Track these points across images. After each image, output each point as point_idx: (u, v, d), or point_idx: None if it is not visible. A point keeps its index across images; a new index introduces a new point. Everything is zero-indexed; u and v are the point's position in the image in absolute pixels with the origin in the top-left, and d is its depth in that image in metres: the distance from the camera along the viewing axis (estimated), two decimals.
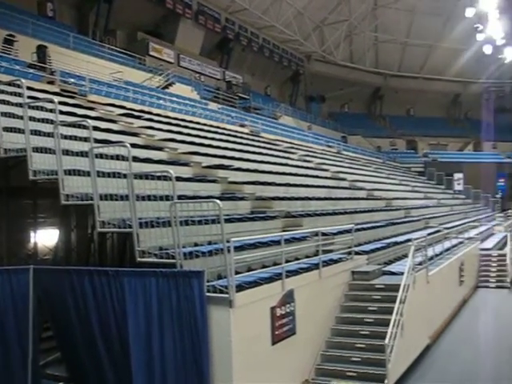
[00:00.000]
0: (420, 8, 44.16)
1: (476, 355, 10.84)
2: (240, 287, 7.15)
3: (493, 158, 48.94)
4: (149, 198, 8.34)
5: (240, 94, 33.94)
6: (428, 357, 10.64)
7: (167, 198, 7.95)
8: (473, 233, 19.57)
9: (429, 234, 13.90)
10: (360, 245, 12.44)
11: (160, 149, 13.56)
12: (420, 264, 11.22)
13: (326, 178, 21.38)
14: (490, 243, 21.52)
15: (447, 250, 14.65)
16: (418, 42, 46.87)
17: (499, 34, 40.25)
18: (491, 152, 51.18)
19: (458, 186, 42.31)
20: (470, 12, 36.79)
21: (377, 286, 10.46)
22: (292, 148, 26.70)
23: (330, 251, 10.48)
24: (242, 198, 12.19)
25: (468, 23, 39.32)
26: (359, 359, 9.00)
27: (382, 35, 46.39)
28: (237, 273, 7.33)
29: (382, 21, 44.93)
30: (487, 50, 42.41)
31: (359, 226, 13.47)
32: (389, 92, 51.40)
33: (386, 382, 8.42)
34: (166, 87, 26.39)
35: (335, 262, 10.25)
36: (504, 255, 18.88)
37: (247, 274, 7.85)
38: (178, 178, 9.36)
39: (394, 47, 47.80)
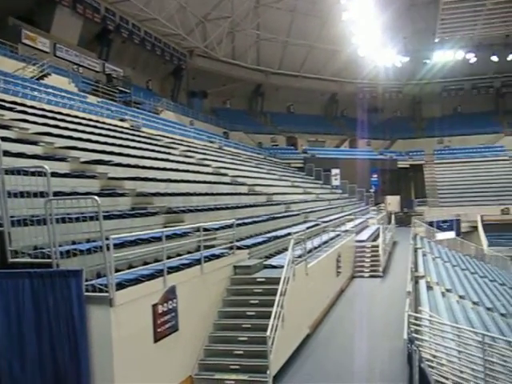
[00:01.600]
0: (300, 9, 45.61)
1: (352, 341, 11.39)
2: (120, 285, 6.98)
3: (367, 154, 51.67)
4: (22, 194, 7.87)
5: (120, 88, 33.03)
6: (308, 345, 11.03)
7: (42, 194, 7.57)
8: (349, 226, 20.52)
9: (308, 228, 14.39)
10: (242, 239, 12.60)
11: (35, 143, 12.81)
12: (300, 257, 11.58)
13: (208, 173, 21.41)
14: (364, 235, 22.62)
15: (325, 242, 15.25)
16: (298, 42, 48.38)
17: (372, 38, 42.52)
18: (365, 149, 54.04)
19: (335, 181, 44.12)
20: (345, 16, 38.48)
21: (258, 280, 10.67)
22: (173, 143, 26.45)
23: (212, 246, 10.54)
24: (122, 194, 11.88)
25: (344, 26, 41.19)
26: (242, 352, 9.15)
27: (263, 33, 47.30)
28: (117, 270, 7.15)
29: (264, 19, 45.82)
30: (361, 52, 44.66)
31: (241, 221, 13.64)
32: (270, 89, 52.58)
33: (268, 372, 8.61)
34: (41, 78, 25.03)
35: (217, 257, 10.30)
36: (377, 246, 19.95)
37: (128, 271, 7.69)
38: (54, 174, 8.94)
39: (275, 45, 48.99)
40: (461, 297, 18.89)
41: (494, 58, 49.57)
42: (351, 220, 22.95)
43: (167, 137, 28.09)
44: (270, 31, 46.92)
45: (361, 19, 38.83)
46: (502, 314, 18.97)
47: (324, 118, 57.54)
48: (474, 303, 18.79)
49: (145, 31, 39.06)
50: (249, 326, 9.63)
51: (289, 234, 13.09)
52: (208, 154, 28.24)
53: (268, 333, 8.62)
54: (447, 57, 48.86)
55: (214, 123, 45.26)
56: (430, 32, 43.45)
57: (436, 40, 44.86)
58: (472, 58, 49.93)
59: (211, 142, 35.82)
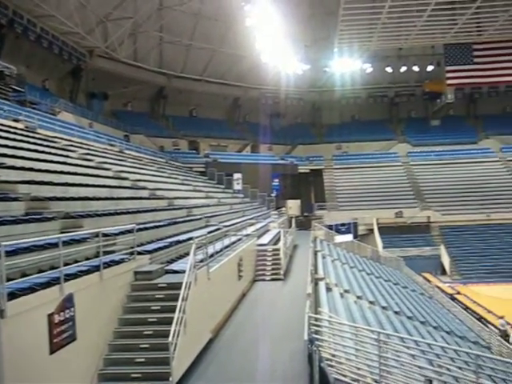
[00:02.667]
0: (204, 13, 45.55)
1: (254, 343, 11.48)
2: (13, 295, 6.60)
3: (269, 159, 52.49)
4: None
5: (14, 86, 31.38)
6: (211, 350, 10.99)
7: None
8: (250, 230, 20.68)
9: (209, 232, 14.36)
10: (143, 244, 12.37)
11: None
12: (201, 261, 11.52)
13: (108, 177, 20.82)
14: (265, 239, 22.87)
15: (227, 247, 15.29)
16: (202, 46, 48.28)
17: (274, 45, 43.33)
18: (267, 154, 54.91)
19: (237, 186, 44.40)
20: (249, 22, 38.93)
21: (159, 285, 10.50)
22: (71, 146, 25.44)
23: (112, 252, 10.24)
24: (15, 199, 11.25)
25: (248, 32, 41.65)
26: (143, 360, 8.95)
27: (166, 36, 46.78)
28: (9, 279, 6.76)
29: (168, 21, 45.32)
30: (264, 58, 45.36)
31: (142, 226, 13.39)
32: (172, 92, 52.09)
33: (170, 379, 8.48)
34: None
35: (117, 263, 10.02)
36: (278, 250, 20.23)
37: (21, 280, 7.27)
38: None
39: (179, 48, 48.61)
40: (358, 297, 19.62)
41: (389, 69, 52.14)
42: (253, 224, 23.18)
43: (65, 139, 26.95)
44: (173, 34, 46.48)
45: (264, 26, 39.45)
46: (396, 312, 19.91)
47: (227, 122, 57.86)
48: (371, 303, 19.58)
49: (41, 28, 37.17)
50: (150, 332, 9.45)
51: (190, 238, 13.00)
52: (108, 158, 27.46)
53: (170, 339, 8.49)
54: (346, 66, 50.74)
55: (114, 126, 44.06)
56: (329, 42, 44.97)
57: (335, 50, 46.49)
58: (368, 68, 52.23)
59: (111, 145, 34.87)
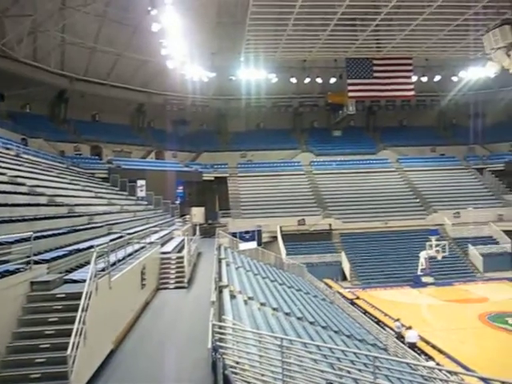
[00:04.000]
0: (110, 15, 44.22)
1: (158, 353, 11.27)
2: None
3: (173, 166, 51.95)
4: None
5: None
6: (112, 361, 10.65)
7: None
8: (154, 237, 20.35)
9: (111, 240, 13.96)
10: (40, 253, 11.79)
11: None
12: (103, 270, 11.16)
13: (3, 182, 19.73)
14: (169, 247, 22.62)
15: (130, 255, 14.93)
16: (106, 49, 46.93)
17: (181, 52, 43.03)
18: (172, 161, 54.38)
19: (141, 193, 43.54)
20: (155, 27, 38.39)
21: (58, 296, 10.05)
22: None
23: (6, 262, 9.68)
24: None
25: (154, 37, 41.04)
26: (39, 375, 8.49)
27: (69, 37, 45.00)
28: None
29: (70, 22, 43.55)
30: (170, 64, 44.92)
31: (39, 234, 12.77)
32: (75, 96, 50.14)
33: None
34: None
35: (11, 273, 9.48)
36: (182, 257, 20.06)
37: None
38: None
39: (82, 51, 46.86)
40: (262, 304, 19.79)
41: (293, 80, 53.31)
42: (156, 232, 22.83)
43: None
44: (76, 35, 44.76)
45: (170, 32, 39.10)
46: (299, 318, 20.28)
47: (131, 128, 56.70)
48: (274, 309, 19.82)
49: None
50: (47, 345, 9.00)
51: (91, 246, 12.56)
52: (3, 162, 26.06)
53: (68, 352, 8.14)
54: (251, 75, 51.35)
55: (10, 128, 41.79)
56: (236, 50, 45.32)
57: (241, 58, 46.94)
58: (273, 78, 53.12)
59: (7, 148, 33.12)
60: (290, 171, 57.20)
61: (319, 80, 53.73)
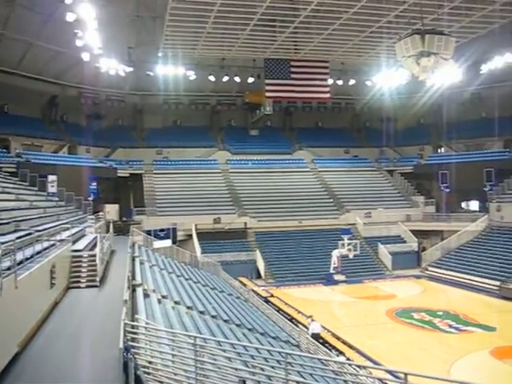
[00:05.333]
0: (21, 1, 42.16)
1: (67, 354, 10.87)
2: None
3: (86, 161, 50.41)
4: None
5: None
6: (17, 365, 10.12)
7: None
8: (65, 235, 19.64)
9: (19, 238, 13.30)
10: None
11: None
12: (9, 269, 10.61)
13: None
14: (81, 245, 21.92)
15: (39, 253, 14.30)
16: (17, 37, 44.68)
17: (97, 44, 41.76)
18: (85, 156, 52.69)
19: (52, 188, 41.81)
20: (70, 17, 37.04)
21: None
22: None
23: None
24: None
25: (69, 27, 39.54)
26: None
27: None
28: None
29: None
30: (85, 56, 43.47)
31: None
32: None
33: None
34: None
35: None
36: (94, 255, 19.50)
37: None
38: None
39: None
40: (176, 302, 19.59)
41: (212, 78, 53.20)
42: (68, 229, 22.05)
43: None
44: None
45: (86, 23, 37.86)
46: (213, 316, 20.25)
47: (42, 121, 54.30)
48: (188, 308, 19.67)
49: None
50: None
51: None
52: None
53: None
54: (170, 71, 50.76)
55: None
56: (154, 45, 44.61)
57: (160, 54, 46.27)
58: (192, 75, 52.77)
59: None
60: (206, 169, 57.06)
61: (237, 79, 53.93)
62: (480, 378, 19.86)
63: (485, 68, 49.35)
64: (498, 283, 36.83)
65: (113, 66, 47.67)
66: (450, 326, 28.07)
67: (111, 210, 47.30)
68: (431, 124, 61.22)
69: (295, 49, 44.79)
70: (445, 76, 44.74)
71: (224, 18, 36.72)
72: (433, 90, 52.90)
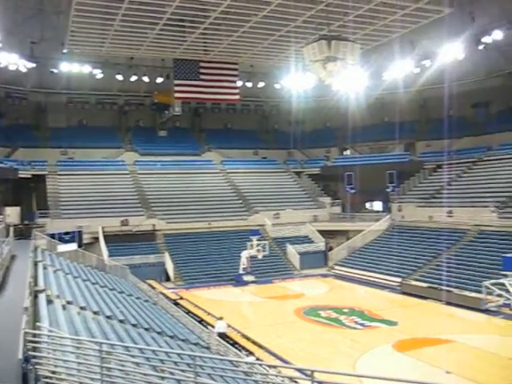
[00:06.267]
0: None
1: None
2: None
3: None
4: None
5: None
6: None
7: None
8: None
9: None
10: None
11: None
12: None
13: None
14: None
15: None
16: None
17: None
18: None
19: None
20: None
21: None
22: None
23: None
24: None
25: None
26: None
27: None
28: None
29: None
30: None
31: None
32: None
33: None
34: None
35: None
36: None
37: None
38: None
39: None
40: (82, 308, 18.90)
41: (119, 77, 52.00)
42: None
43: None
44: None
45: None
46: (121, 321, 19.72)
47: None
48: (95, 313, 19.04)
49: None
50: None
51: None
52: None
53: None
54: (75, 69, 49.10)
55: None
56: (59, 41, 42.91)
57: (65, 51, 44.58)
58: (98, 73, 51.34)
59: None
60: (113, 170, 55.64)
61: (146, 79, 53.10)
62: (383, 370, 20.67)
63: (387, 75, 51.50)
64: (399, 280, 38.60)
65: (13, 61, 45.40)
66: (356, 323, 29.04)
67: (12, 213, 44.98)
68: (337, 127, 63.08)
69: (205, 50, 44.63)
70: (350, 81, 46.37)
71: (132, 16, 35.91)
72: (339, 94, 54.69)
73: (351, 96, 53.82)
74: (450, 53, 43.68)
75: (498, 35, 41.39)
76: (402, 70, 49.60)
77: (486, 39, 42.33)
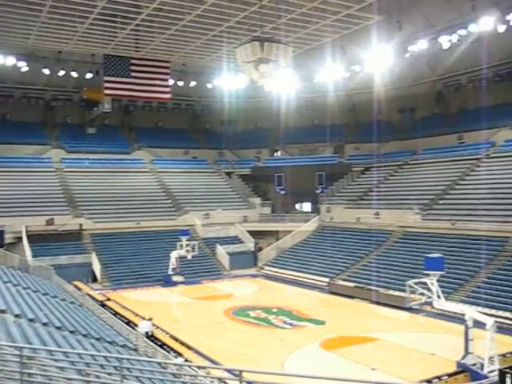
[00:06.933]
0: None
1: None
2: None
3: None
4: None
5: None
6: None
7: None
8: None
9: None
10: None
11: None
12: None
13: None
14: None
15: None
16: None
17: None
18: None
19: None
20: None
21: None
22: None
23: None
24: None
25: None
26: None
27: None
28: None
29: None
30: None
31: None
32: None
33: None
34: None
35: None
36: None
37: None
38: None
39: None
40: (2, 311, 18.12)
41: (46, 71, 50.32)
42: None
43: None
44: None
45: None
46: (45, 324, 19.04)
47: None
48: (16, 316, 18.29)
49: None
50: None
51: None
52: None
53: None
54: None
55: None
56: None
57: None
58: (24, 66, 49.47)
59: None
60: (38, 168, 53.70)
61: (74, 74, 51.69)
62: (310, 369, 21.00)
63: (318, 78, 52.41)
64: (327, 280, 39.35)
65: None
66: (284, 322, 29.32)
67: None
68: (268, 128, 63.65)
69: (136, 47, 43.89)
70: (282, 83, 46.89)
71: (61, 8, 34.79)
72: (270, 95, 55.22)
73: (283, 98, 54.47)
74: (379, 59, 44.96)
75: (423, 44, 42.99)
76: (332, 74, 50.59)
77: (412, 48, 43.88)
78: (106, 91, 47.74)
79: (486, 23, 38.04)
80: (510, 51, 45.61)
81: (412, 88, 54.63)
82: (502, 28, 38.45)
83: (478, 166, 45.11)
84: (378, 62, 45.54)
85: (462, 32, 40.31)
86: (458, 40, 41.47)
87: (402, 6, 41.24)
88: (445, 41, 41.77)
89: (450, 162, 48.29)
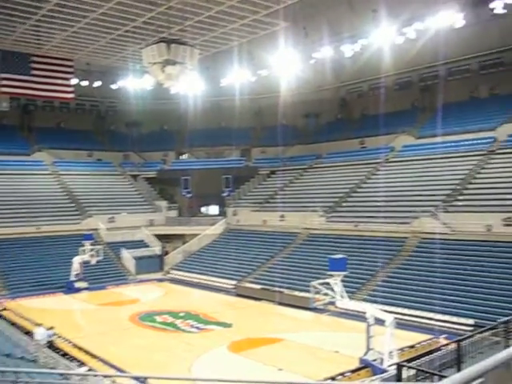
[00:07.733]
0: None
1: None
2: None
3: None
4: None
5: None
6: None
7: None
8: None
9: None
10: None
11: None
12: None
13: None
14: None
15: None
16: None
17: None
18: None
19: None
20: None
21: None
22: None
23: None
24: None
25: None
26: None
27: None
28: None
29: None
30: None
31: None
32: None
33: None
34: None
35: None
36: None
37: None
38: None
39: None
40: None
41: None
42: None
43: None
44: None
45: None
46: None
47: None
48: None
49: None
50: None
51: None
52: None
53: None
54: None
55: None
56: None
57: None
58: None
59: None
60: None
61: None
62: (218, 372, 20.99)
63: (225, 81, 52.65)
64: (234, 282, 39.57)
65: None
66: (192, 326, 29.16)
67: None
68: (175, 130, 63.17)
69: (37, 43, 42.01)
70: (188, 85, 46.69)
71: None
72: (177, 97, 54.82)
73: (189, 100, 54.25)
74: (285, 65, 45.87)
75: (327, 51, 44.33)
76: (239, 78, 51.02)
77: (317, 54, 45.13)
78: (3, 89, 45.21)
79: (386, 34, 39.88)
80: (408, 62, 47.99)
81: (317, 93, 56.23)
82: (400, 40, 40.44)
83: (378, 170, 47.14)
84: (284, 67, 46.49)
85: (364, 41, 42.00)
86: (361, 49, 43.15)
87: (309, 13, 42.31)
88: (348, 49, 43.32)
89: (352, 166, 50.16)
